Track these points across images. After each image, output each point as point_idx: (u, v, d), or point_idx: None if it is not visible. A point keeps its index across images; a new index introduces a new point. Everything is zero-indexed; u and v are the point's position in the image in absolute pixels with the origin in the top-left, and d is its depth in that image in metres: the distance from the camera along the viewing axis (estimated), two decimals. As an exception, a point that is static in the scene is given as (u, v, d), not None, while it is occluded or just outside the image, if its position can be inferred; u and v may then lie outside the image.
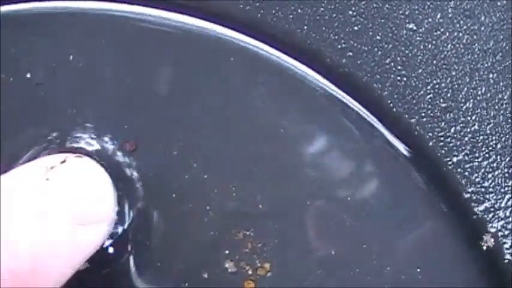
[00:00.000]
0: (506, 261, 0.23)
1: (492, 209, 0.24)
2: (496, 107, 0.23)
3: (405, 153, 0.24)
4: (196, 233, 0.24)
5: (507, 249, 0.23)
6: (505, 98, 0.23)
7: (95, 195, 0.23)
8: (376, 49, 0.24)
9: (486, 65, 0.23)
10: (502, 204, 0.24)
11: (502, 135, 0.24)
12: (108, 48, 0.24)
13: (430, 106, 0.24)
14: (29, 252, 0.20)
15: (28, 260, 0.20)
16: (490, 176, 0.24)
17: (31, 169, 0.22)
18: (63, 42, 0.25)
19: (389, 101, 0.24)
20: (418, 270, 0.24)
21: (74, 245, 0.22)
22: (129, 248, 0.24)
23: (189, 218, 0.24)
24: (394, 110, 0.24)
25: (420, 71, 0.24)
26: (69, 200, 0.22)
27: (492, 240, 0.24)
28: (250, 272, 0.24)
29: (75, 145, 0.24)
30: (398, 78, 0.24)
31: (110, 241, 0.24)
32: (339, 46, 0.24)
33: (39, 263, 0.21)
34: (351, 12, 0.24)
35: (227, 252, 0.24)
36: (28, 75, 0.24)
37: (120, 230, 0.24)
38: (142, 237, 0.24)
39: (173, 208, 0.24)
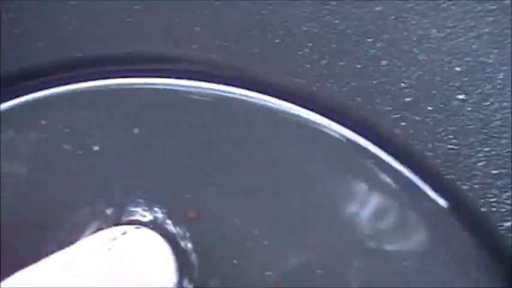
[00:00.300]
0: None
1: (544, 272, 0.24)
2: (546, 174, 0.24)
3: (457, 217, 0.25)
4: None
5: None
6: (554, 164, 0.24)
7: (156, 264, 0.24)
8: (428, 119, 0.25)
9: (535, 133, 0.24)
10: (554, 267, 0.24)
11: (552, 200, 0.24)
12: (163, 121, 0.26)
13: (482, 173, 0.24)
14: None
15: None
16: (541, 239, 0.24)
17: (94, 241, 0.24)
18: (123, 115, 0.26)
19: (442, 169, 0.25)
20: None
21: None
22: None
23: (249, 283, 0.25)
24: (447, 177, 0.25)
25: (471, 139, 0.25)
26: (132, 268, 0.23)
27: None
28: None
29: (131, 218, 0.25)
30: (450, 146, 0.25)
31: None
32: (392, 117, 0.25)
33: None
34: (403, 84, 0.25)
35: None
36: (94, 148, 0.26)
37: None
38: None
39: (233, 276, 0.25)
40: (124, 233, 0.24)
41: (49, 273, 0.22)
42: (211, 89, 0.26)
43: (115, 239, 0.24)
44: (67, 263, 0.23)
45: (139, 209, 0.25)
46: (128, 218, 0.25)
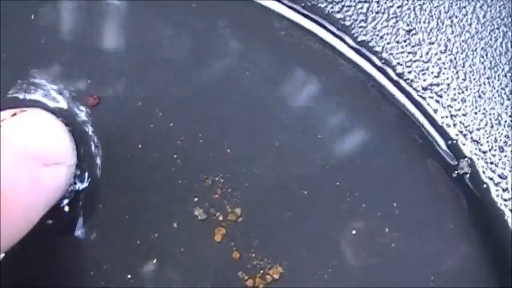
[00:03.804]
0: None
1: None
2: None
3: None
4: (165, 183, 0.23)
5: None
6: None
7: (49, 137, 0.22)
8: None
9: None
10: None
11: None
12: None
13: (392, 30, 0.23)
14: None
15: None
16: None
17: None
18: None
19: (353, 32, 0.23)
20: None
21: (37, 184, 0.21)
22: (92, 204, 0.23)
23: (156, 168, 0.24)
24: (359, 39, 0.23)
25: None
26: (24, 141, 0.21)
27: None
28: (220, 218, 0.23)
29: (33, 98, 0.24)
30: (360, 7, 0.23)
31: (67, 200, 0.23)
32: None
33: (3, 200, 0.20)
34: None
35: (196, 199, 0.23)
36: None
37: (79, 187, 0.23)
38: (107, 191, 0.24)
39: (140, 159, 0.24)
40: (14, 115, 0.23)
41: None
42: None
43: (4, 119, 0.22)
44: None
45: (42, 91, 0.24)
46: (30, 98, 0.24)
